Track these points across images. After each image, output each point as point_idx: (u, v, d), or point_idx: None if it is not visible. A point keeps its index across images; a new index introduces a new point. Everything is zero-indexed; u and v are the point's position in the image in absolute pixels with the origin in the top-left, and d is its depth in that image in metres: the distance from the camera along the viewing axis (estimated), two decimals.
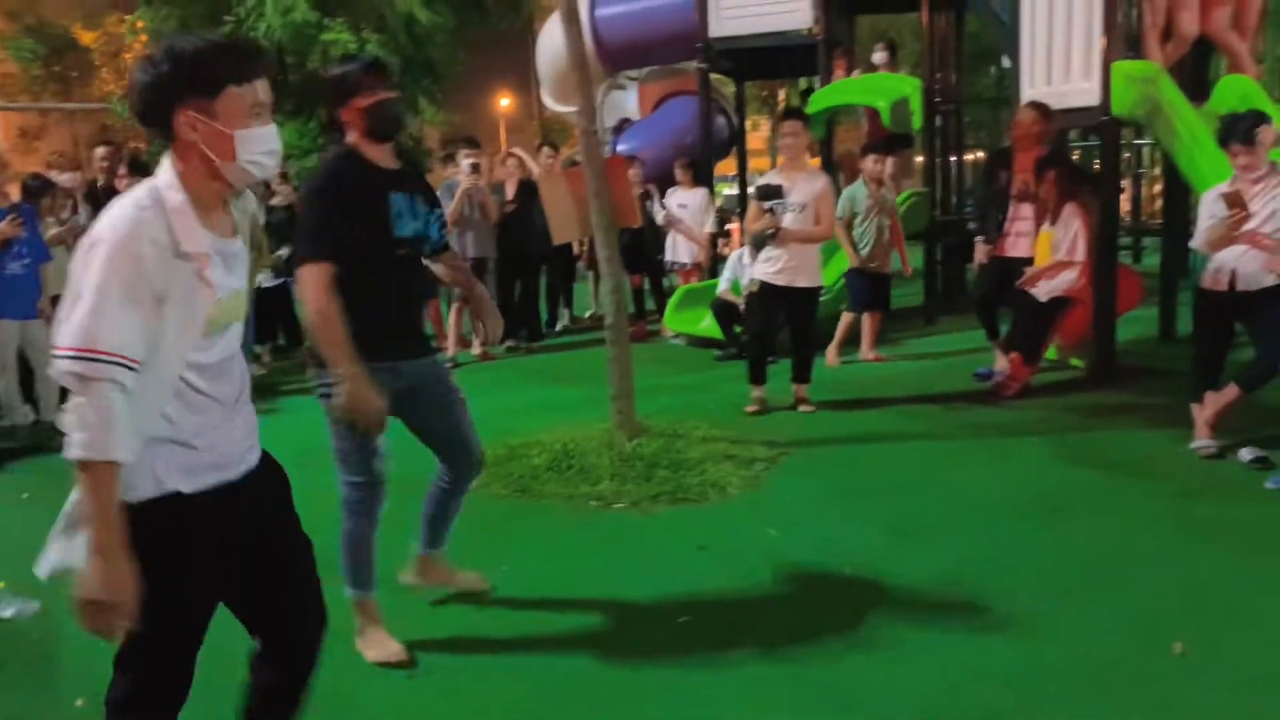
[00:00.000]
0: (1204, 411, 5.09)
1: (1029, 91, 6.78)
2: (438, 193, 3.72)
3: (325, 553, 2.41)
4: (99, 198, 7.52)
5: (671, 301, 9.10)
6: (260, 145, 1.98)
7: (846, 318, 7.86)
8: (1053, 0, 6.59)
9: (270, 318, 8.81)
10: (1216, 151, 5.69)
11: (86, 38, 25.72)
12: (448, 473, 3.44)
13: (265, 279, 8.17)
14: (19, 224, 6.28)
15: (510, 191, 8.90)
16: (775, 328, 6.42)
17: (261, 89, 1.98)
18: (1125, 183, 12.40)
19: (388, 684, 3.15)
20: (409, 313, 3.34)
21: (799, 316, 6.28)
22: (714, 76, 11.41)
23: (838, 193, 8.00)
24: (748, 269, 6.43)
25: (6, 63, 24.40)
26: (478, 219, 8.40)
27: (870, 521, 4.44)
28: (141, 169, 7.28)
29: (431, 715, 3.02)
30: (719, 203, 10.04)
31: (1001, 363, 6.62)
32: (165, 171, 1.96)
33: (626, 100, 13.86)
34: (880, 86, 9.37)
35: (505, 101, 35.66)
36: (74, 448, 1.81)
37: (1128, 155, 12.53)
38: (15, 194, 6.92)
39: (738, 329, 7.78)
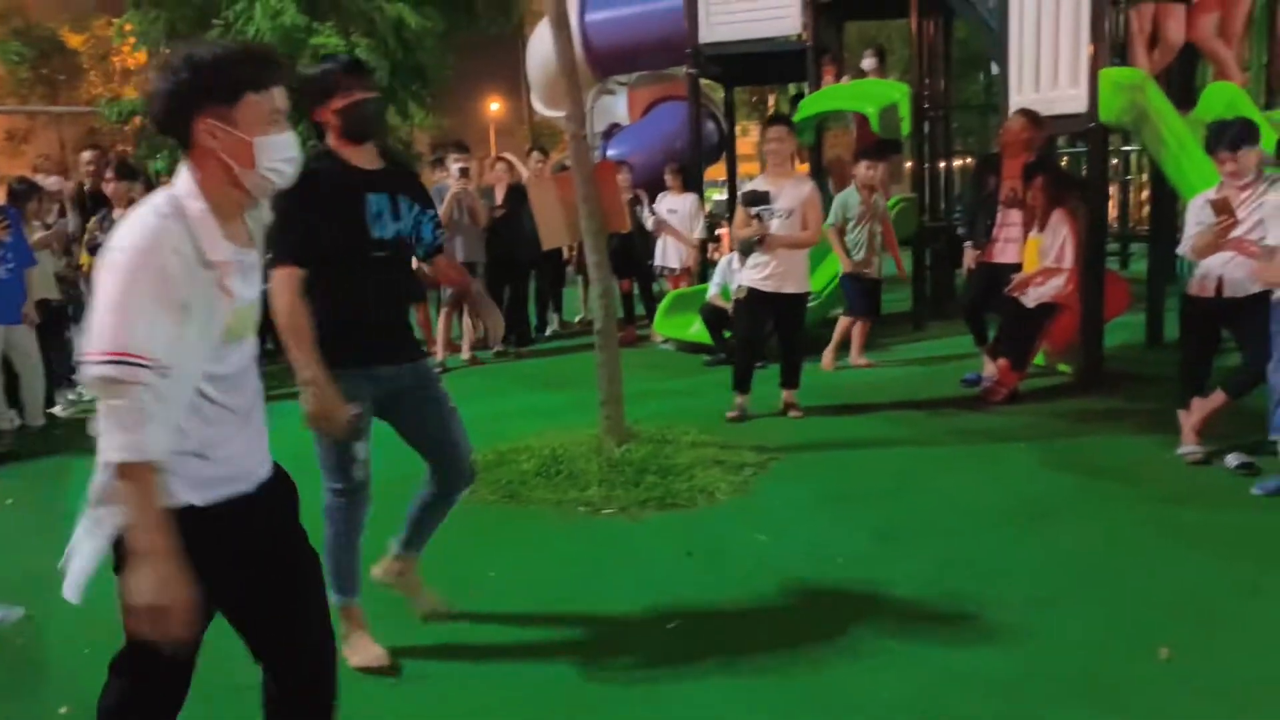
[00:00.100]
0: (1190, 417, 5.11)
1: (1017, 98, 6.81)
2: None
3: None
4: (86, 202, 7.51)
5: (661, 307, 9.10)
6: (279, 152, 1.98)
7: (843, 322, 7.87)
8: (1040, 7, 6.62)
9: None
10: (1203, 158, 5.72)
11: (74, 40, 25.64)
12: (435, 480, 3.37)
13: None
14: (4, 228, 6.24)
15: (499, 196, 8.90)
16: (763, 335, 6.43)
17: (279, 96, 1.98)
18: (1113, 189, 12.46)
19: (373, 690, 3.13)
20: (390, 316, 3.24)
21: (787, 322, 6.29)
22: (703, 82, 11.45)
23: (825, 198, 8.01)
24: (737, 274, 6.43)
25: None
26: (467, 223, 8.40)
27: (858, 527, 4.44)
28: (129, 173, 7.26)
29: None
30: (709, 208, 10.04)
31: (990, 368, 6.63)
32: (184, 180, 1.96)
33: (616, 105, 13.88)
34: (869, 92, 9.40)
35: (495, 106, 35.64)
36: (113, 451, 1.80)
37: (1115, 162, 12.59)
38: (0, 197, 6.89)
39: (727, 334, 7.78)
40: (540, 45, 13.05)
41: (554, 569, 4.10)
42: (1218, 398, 4.99)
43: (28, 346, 6.55)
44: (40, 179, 7.68)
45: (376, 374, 3.12)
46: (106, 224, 6.99)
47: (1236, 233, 4.69)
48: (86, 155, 8.03)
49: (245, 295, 2.02)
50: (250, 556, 2.04)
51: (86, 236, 7.07)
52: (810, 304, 8.19)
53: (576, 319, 10.51)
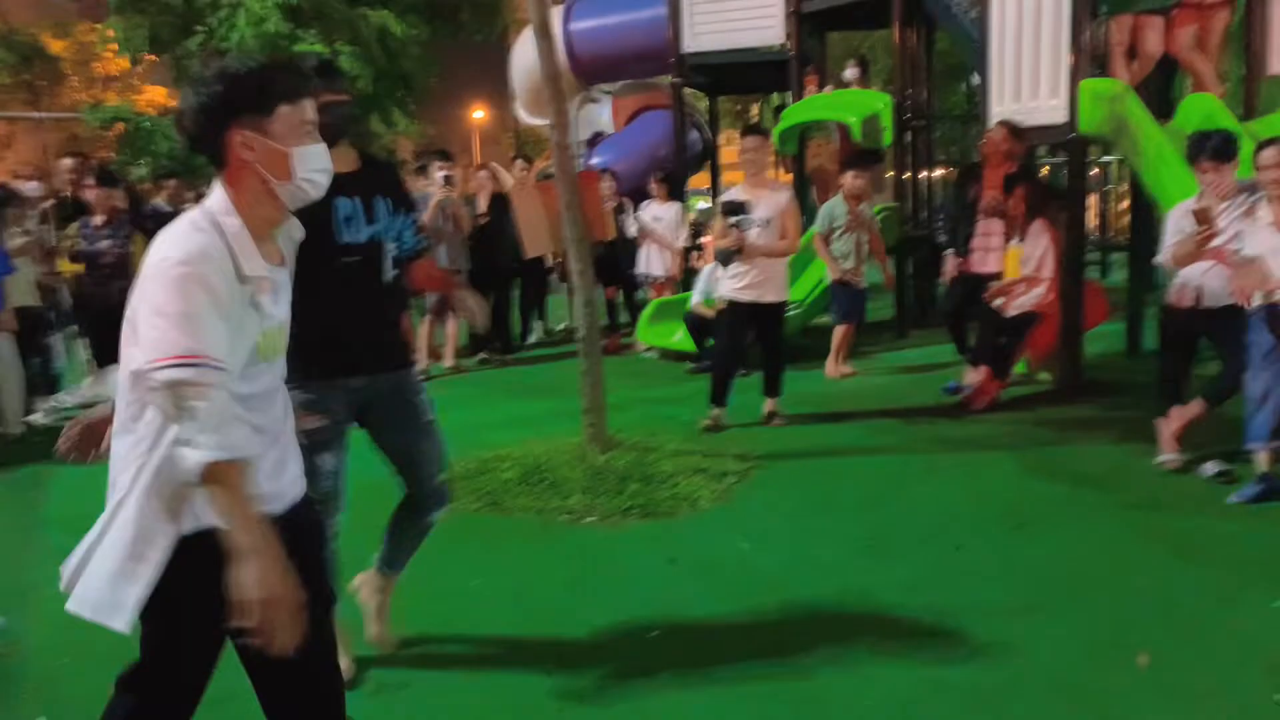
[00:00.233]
0: (1169, 426, 5.14)
1: (998, 108, 6.87)
2: None
3: None
4: (69, 210, 7.47)
5: (644, 315, 9.11)
6: (314, 163, 1.99)
7: (838, 330, 7.87)
8: (1021, 19, 6.67)
9: None
10: (1181, 169, 5.77)
11: (56, 46, 25.51)
12: (405, 497, 3.27)
13: None
14: None
15: (483, 204, 8.90)
16: (743, 347, 6.44)
17: (310, 108, 1.99)
18: (1093, 199, 12.55)
19: (353, 700, 3.10)
20: (365, 324, 3.10)
21: (768, 331, 6.30)
22: (687, 91, 11.48)
23: (809, 207, 8.04)
24: (720, 282, 6.45)
25: None
26: (450, 231, 8.39)
27: (840, 535, 4.45)
28: (109, 180, 7.22)
29: None
30: (692, 216, 10.07)
31: (971, 377, 6.67)
32: (218, 197, 1.95)
33: (600, 114, 13.89)
34: (851, 102, 9.45)
35: (480, 114, 35.62)
36: (204, 451, 1.78)
37: (1095, 171, 12.69)
38: None
39: (710, 342, 7.79)
40: (524, 53, 13.05)
41: (536, 578, 4.09)
42: (1196, 406, 5.03)
43: (6, 354, 6.50)
44: (18, 185, 7.63)
45: (348, 385, 3.03)
46: (86, 231, 6.96)
47: (1216, 243, 4.73)
48: (67, 163, 7.98)
49: (276, 315, 2.02)
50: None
51: (67, 243, 7.03)
52: (792, 312, 8.24)
53: (560, 327, 10.50)
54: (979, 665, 3.23)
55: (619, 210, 9.48)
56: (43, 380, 7.25)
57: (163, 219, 8.03)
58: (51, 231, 7.16)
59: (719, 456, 5.54)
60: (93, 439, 2.15)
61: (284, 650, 1.83)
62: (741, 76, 11.82)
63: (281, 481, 2.07)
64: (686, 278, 9.73)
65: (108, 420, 2.04)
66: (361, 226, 3.04)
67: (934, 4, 8.45)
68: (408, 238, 3.21)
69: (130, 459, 1.93)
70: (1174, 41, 6.88)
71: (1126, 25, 6.91)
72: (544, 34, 5.44)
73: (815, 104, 9.77)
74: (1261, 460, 4.62)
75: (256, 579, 1.79)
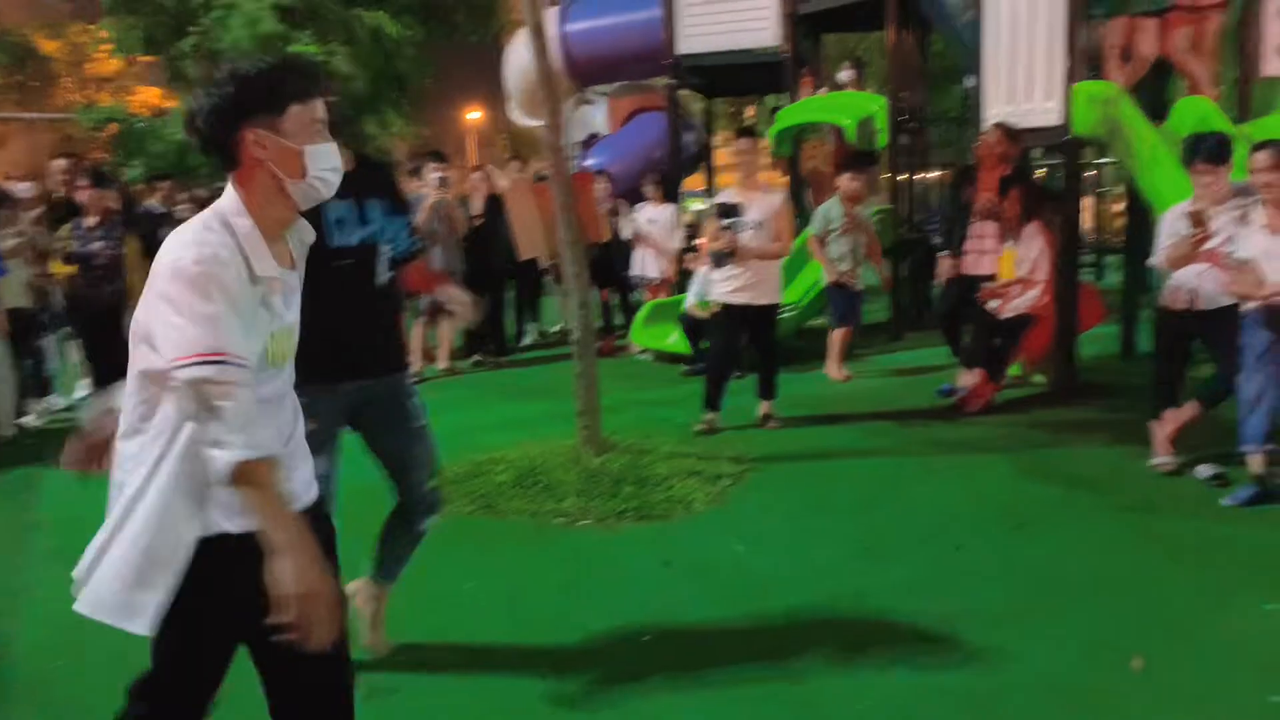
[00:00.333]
0: (1163, 428, 5.15)
1: (993, 111, 6.87)
2: None
3: None
4: (62, 211, 7.44)
5: (639, 317, 9.10)
6: (325, 161, 1.99)
7: (833, 333, 7.85)
8: (1015, 21, 6.68)
9: None
10: (1175, 171, 5.78)
11: (48, 47, 25.45)
12: (398, 505, 3.24)
13: None
14: None
15: (477, 206, 8.88)
16: (738, 350, 6.44)
17: (320, 107, 1.99)
18: (1087, 201, 12.58)
19: None
20: (357, 327, 3.05)
21: (762, 334, 6.30)
22: (682, 92, 11.48)
23: (804, 209, 8.03)
24: (714, 285, 6.44)
25: None
26: (444, 232, 8.37)
27: (835, 537, 4.45)
28: (102, 181, 7.20)
29: None
30: (687, 218, 10.06)
31: (965, 379, 6.67)
32: (229, 199, 1.95)
33: (595, 115, 13.88)
34: (846, 104, 9.45)
35: (475, 115, 35.60)
36: (234, 450, 1.78)
37: (1091, 174, 12.72)
38: None
39: (705, 344, 7.78)
40: (519, 54, 13.04)
41: (530, 581, 4.08)
42: (1190, 409, 5.03)
43: None
44: (11, 186, 7.61)
45: (341, 389, 3.01)
46: (79, 232, 6.93)
47: (1210, 245, 4.74)
48: (60, 164, 7.96)
49: (286, 317, 2.02)
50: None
51: (59, 245, 7.00)
52: (787, 315, 8.24)
53: (555, 329, 10.49)
54: (974, 668, 3.23)
55: (614, 212, 9.48)
56: (35, 382, 7.23)
57: (156, 221, 8.04)
58: (45, 233, 7.13)
59: (714, 459, 5.54)
60: (96, 453, 2.14)
61: (322, 644, 1.83)
62: (737, 78, 11.81)
63: (293, 485, 2.05)
64: (682, 280, 9.72)
65: (112, 435, 2.03)
66: (353, 229, 3.01)
67: (929, 6, 8.46)
68: (402, 240, 3.18)
69: (142, 459, 1.92)
70: (1168, 44, 6.90)
71: (1121, 28, 6.92)
72: (538, 35, 5.43)
73: (810, 106, 9.78)
74: (1255, 463, 4.63)
75: (294, 574, 1.79)
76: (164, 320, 1.82)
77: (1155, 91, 7.67)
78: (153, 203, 8.38)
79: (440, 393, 7.52)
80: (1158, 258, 5.01)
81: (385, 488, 3.25)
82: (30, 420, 7.11)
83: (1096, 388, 6.91)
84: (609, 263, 9.32)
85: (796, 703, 3.06)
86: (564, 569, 4.19)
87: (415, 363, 8.36)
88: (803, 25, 10.06)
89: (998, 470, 5.33)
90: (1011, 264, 6.41)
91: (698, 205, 14.65)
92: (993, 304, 6.45)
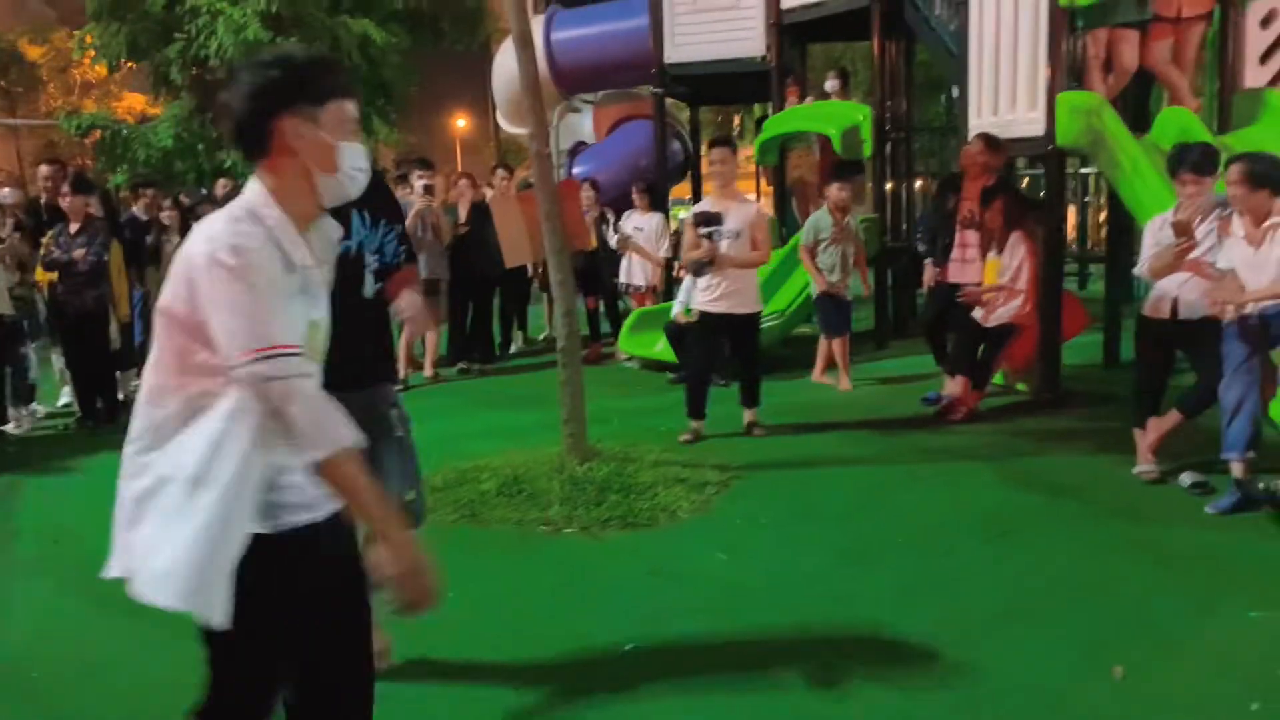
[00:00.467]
0: (1146, 437, 5.17)
1: (977, 120, 6.91)
2: None
3: None
4: (43, 216, 7.41)
5: (626, 324, 9.10)
6: (355, 160, 1.97)
7: (823, 343, 7.84)
8: (1000, 32, 6.72)
9: None
10: (1157, 181, 5.83)
11: (33, 53, 25.35)
12: None
13: None
14: None
15: (463, 213, 8.87)
16: (720, 358, 6.43)
17: (353, 108, 1.98)
18: (1071, 210, 12.65)
19: None
20: (338, 339, 3.09)
21: (743, 343, 6.30)
22: (669, 101, 11.50)
23: (791, 218, 8.03)
24: (692, 294, 6.45)
25: None
26: (430, 240, 8.36)
27: (819, 545, 4.46)
28: (85, 187, 7.17)
29: None
30: (675, 226, 10.08)
31: (950, 387, 6.69)
32: (254, 191, 1.91)
33: (582, 123, 13.91)
34: (832, 114, 9.48)
35: (462, 123, 35.64)
36: (319, 447, 1.79)
37: (1076, 183, 12.79)
38: None
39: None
40: (505, 62, 13.06)
41: (514, 589, 4.07)
42: (1173, 417, 5.06)
43: None
44: None
45: None
46: (62, 239, 6.90)
47: (1194, 254, 4.77)
48: (44, 170, 7.92)
49: (320, 310, 2.00)
50: (318, 590, 1.97)
51: (42, 252, 6.97)
52: (772, 323, 8.25)
53: (541, 337, 10.48)
54: (958, 676, 3.23)
55: (601, 220, 9.48)
56: (15, 390, 7.17)
57: (140, 228, 8.00)
58: (20, 242, 7.08)
59: (699, 467, 5.53)
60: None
61: (425, 612, 1.90)
62: (723, 87, 11.85)
63: (322, 488, 2.02)
64: (668, 288, 9.73)
65: None
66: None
67: (914, 17, 8.50)
68: (389, 249, 3.16)
69: (199, 449, 1.84)
70: (1150, 55, 6.95)
71: (1103, 39, 6.97)
72: (524, 44, 5.44)
73: (796, 115, 9.81)
74: (1237, 470, 4.65)
75: (393, 554, 1.84)
76: (213, 321, 1.80)
77: (1138, 102, 7.73)
78: (136, 210, 8.34)
79: (425, 400, 7.50)
80: (1141, 267, 5.04)
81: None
82: (11, 429, 7.06)
83: (1079, 396, 6.94)
84: (596, 270, 9.32)
85: (781, 712, 3.06)
86: (548, 577, 4.18)
87: (401, 370, 8.33)
88: (788, 35, 10.10)
89: (982, 478, 5.34)
90: (995, 272, 6.45)
91: (684, 214, 14.68)
92: (977, 313, 6.48)
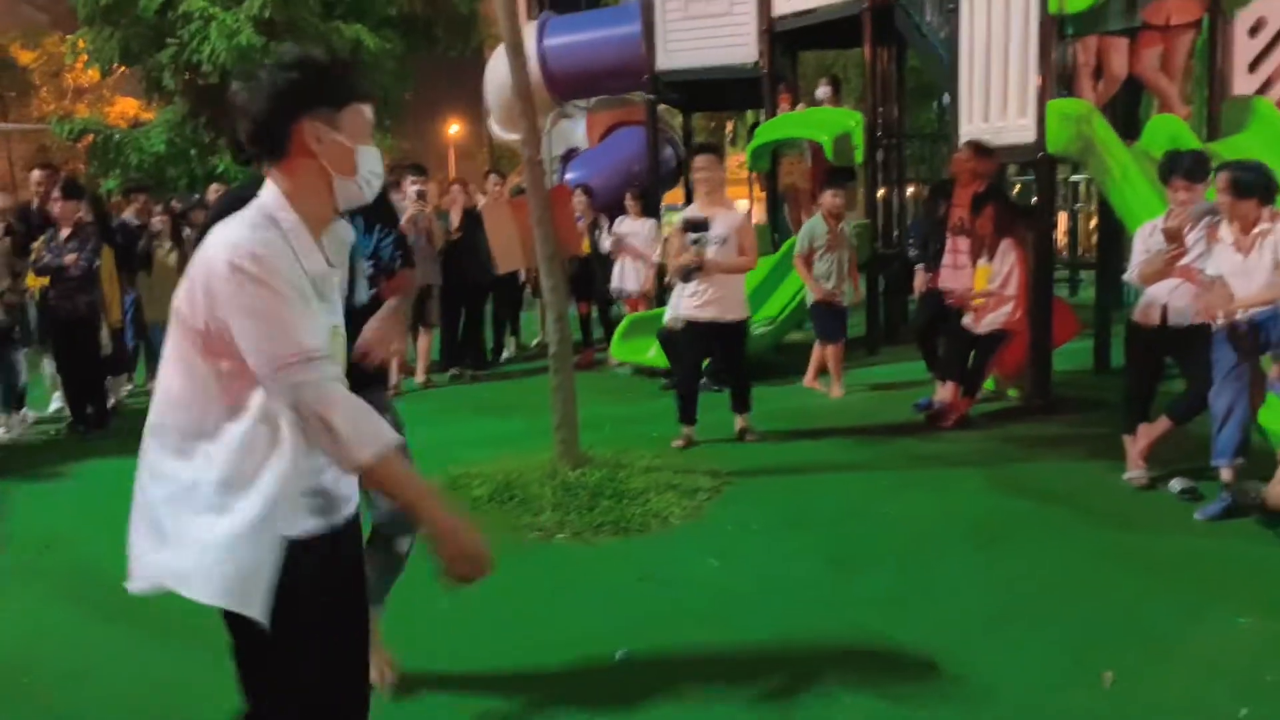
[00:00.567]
0: (1136, 443, 5.19)
1: (967, 127, 6.94)
2: None
3: None
4: (33, 221, 7.39)
5: (618, 330, 9.11)
6: (372, 164, 1.96)
7: (817, 350, 7.84)
8: (990, 40, 6.76)
9: None
10: (1146, 189, 5.86)
11: (25, 57, 25.30)
12: (375, 526, 3.17)
13: None
14: None
15: (455, 219, 8.87)
16: (701, 364, 6.44)
17: (370, 112, 1.97)
18: (1061, 217, 12.69)
19: None
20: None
21: (730, 349, 6.31)
22: (661, 107, 11.52)
23: (783, 225, 8.05)
24: (679, 301, 6.45)
25: None
26: (423, 246, 8.35)
27: (810, 551, 4.46)
28: (76, 192, 7.15)
29: None
30: (667, 232, 10.09)
31: (941, 393, 6.71)
32: (270, 194, 1.89)
33: (574, 129, 13.91)
34: (824, 120, 9.51)
35: (455, 129, 35.62)
36: (364, 451, 1.79)
37: (1067, 189, 12.83)
38: None
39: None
40: (498, 68, 13.05)
41: (506, 596, 4.05)
42: (1163, 424, 5.08)
43: None
44: None
45: None
46: (53, 244, 6.88)
47: (1184, 261, 4.79)
48: (36, 175, 7.89)
49: (336, 315, 1.99)
50: (333, 595, 1.98)
51: (33, 257, 6.95)
52: (764, 329, 8.27)
53: (534, 342, 10.48)
54: (947, 683, 3.23)
55: (593, 226, 9.49)
56: (6, 396, 7.15)
57: (131, 233, 7.97)
58: (8, 249, 7.05)
59: (691, 473, 5.54)
60: None
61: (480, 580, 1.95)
62: (715, 93, 11.88)
63: (346, 489, 2.03)
64: (661, 293, 9.74)
65: None
66: None
67: (905, 24, 8.54)
68: (385, 252, 3.16)
69: (230, 452, 1.84)
70: (1140, 62, 6.99)
71: (1093, 46, 7.01)
72: (516, 50, 5.45)
73: (788, 122, 9.84)
74: (1226, 477, 4.67)
75: (446, 539, 1.88)
76: (236, 327, 1.78)
77: (1128, 109, 7.77)
78: (128, 215, 8.32)
79: (417, 406, 7.48)
80: (1131, 273, 5.06)
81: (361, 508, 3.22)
82: (1, 434, 7.04)
83: (1070, 402, 6.96)
84: (588, 276, 9.33)
85: (771, 717, 3.06)
86: (540, 583, 4.18)
87: (393, 376, 8.32)
88: (780, 42, 10.13)
89: (972, 484, 5.36)
90: (986, 279, 6.47)
91: (676, 219, 14.66)
92: (968, 319, 6.50)
